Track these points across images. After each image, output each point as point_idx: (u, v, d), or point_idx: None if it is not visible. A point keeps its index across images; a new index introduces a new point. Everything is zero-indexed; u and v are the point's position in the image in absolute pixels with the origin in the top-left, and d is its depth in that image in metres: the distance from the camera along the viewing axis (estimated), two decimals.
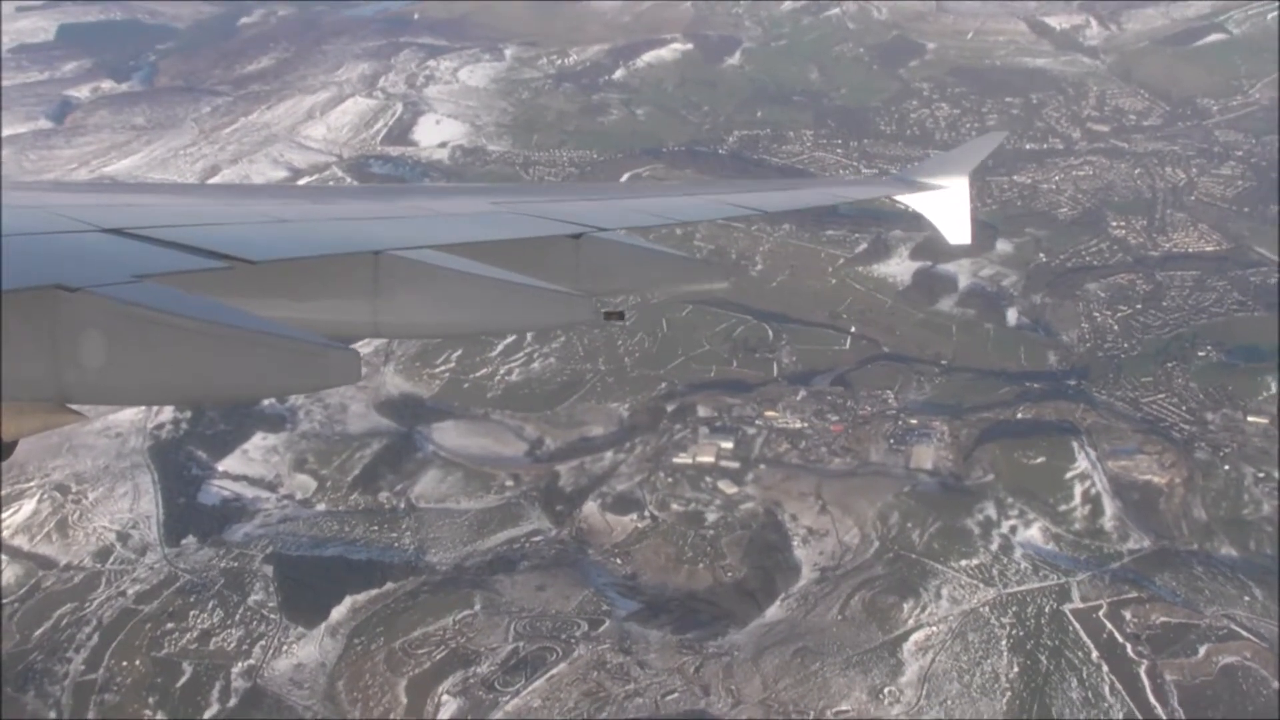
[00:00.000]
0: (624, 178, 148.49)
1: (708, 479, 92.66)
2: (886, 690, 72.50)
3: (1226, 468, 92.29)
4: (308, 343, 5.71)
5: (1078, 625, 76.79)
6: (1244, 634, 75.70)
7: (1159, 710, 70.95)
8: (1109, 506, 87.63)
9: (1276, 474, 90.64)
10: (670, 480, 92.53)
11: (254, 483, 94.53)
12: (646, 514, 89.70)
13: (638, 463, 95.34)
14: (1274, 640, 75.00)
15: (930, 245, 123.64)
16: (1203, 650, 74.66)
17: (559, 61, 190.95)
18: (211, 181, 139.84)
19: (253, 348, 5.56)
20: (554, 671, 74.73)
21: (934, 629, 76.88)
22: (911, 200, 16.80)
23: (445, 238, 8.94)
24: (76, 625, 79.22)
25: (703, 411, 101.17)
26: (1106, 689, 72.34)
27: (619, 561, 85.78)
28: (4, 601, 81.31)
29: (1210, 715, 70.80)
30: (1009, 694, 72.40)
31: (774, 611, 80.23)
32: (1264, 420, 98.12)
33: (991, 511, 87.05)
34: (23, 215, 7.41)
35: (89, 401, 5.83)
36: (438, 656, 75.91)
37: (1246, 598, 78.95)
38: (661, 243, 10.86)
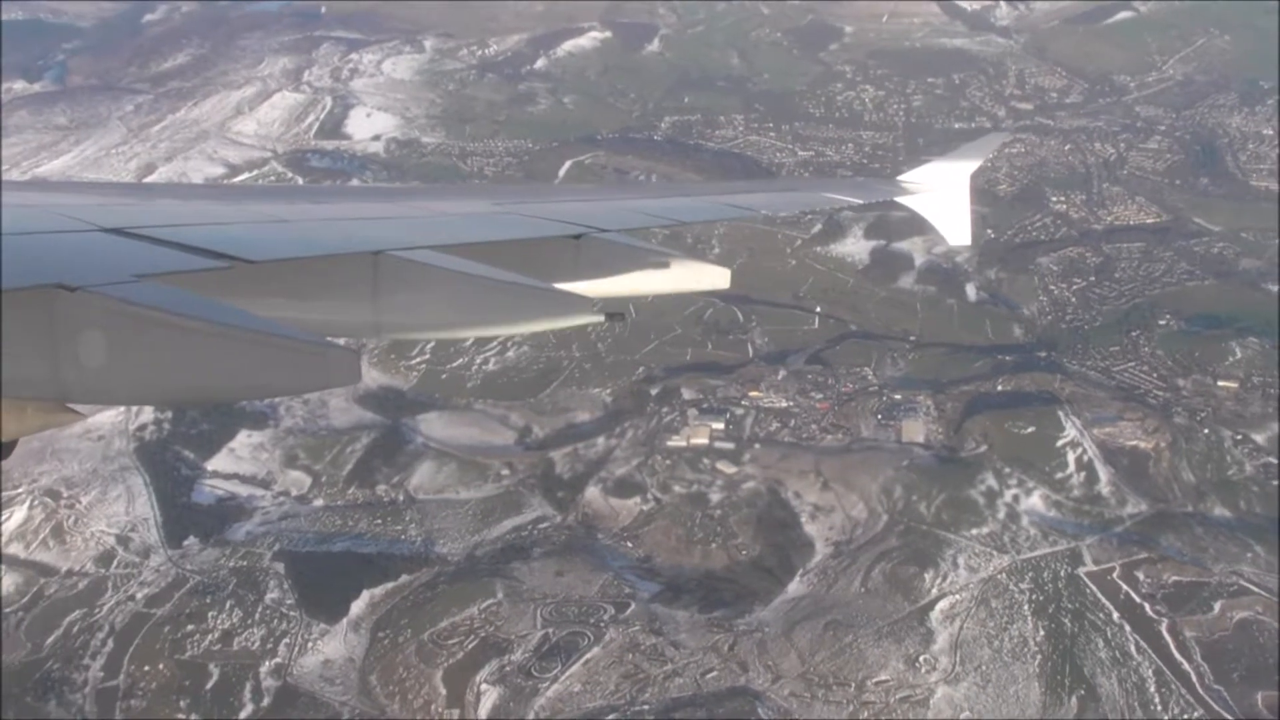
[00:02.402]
0: (565, 166, 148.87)
1: (705, 460, 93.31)
2: (922, 658, 73.72)
3: (1206, 431, 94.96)
4: (307, 343, 5.75)
5: (1094, 588, 78.70)
6: (1254, 589, 78.12)
7: (1186, 666, 72.88)
8: (1102, 472, 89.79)
9: (1277, 438, 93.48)
10: (668, 463, 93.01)
11: (246, 481, 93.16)
12: (650, 497, 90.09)
13: (631, 447, 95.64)
14: None
15: (882, 224, 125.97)
16: (1217, 606, 76.97)
17: (479, 52, 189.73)
18: (148, 180, 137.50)
19: (252, 348, 5.58)
20: (589, 656, 74.82)
21: (957, 597, 78.28)
22: (911, 202, 17.12)
23: (445, 238, 9.06)
24: (89, 632, 77.63)
25: (687, 394, 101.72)
26: (1132, 647, 74.22)
27: (630, 545, 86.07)
28: (8, 611, 79.37)
29: (1233, 669, 72.85)
30: (1039, 656, 73.97)
31: (795, 587, 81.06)
32: (1233, 384, 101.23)
33: (992, 481, 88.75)
34: (22, 214, 7.41)
35: (88, 401, 5.91)
36: (469, 646, 75.61)
37: (1249, 554, 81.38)
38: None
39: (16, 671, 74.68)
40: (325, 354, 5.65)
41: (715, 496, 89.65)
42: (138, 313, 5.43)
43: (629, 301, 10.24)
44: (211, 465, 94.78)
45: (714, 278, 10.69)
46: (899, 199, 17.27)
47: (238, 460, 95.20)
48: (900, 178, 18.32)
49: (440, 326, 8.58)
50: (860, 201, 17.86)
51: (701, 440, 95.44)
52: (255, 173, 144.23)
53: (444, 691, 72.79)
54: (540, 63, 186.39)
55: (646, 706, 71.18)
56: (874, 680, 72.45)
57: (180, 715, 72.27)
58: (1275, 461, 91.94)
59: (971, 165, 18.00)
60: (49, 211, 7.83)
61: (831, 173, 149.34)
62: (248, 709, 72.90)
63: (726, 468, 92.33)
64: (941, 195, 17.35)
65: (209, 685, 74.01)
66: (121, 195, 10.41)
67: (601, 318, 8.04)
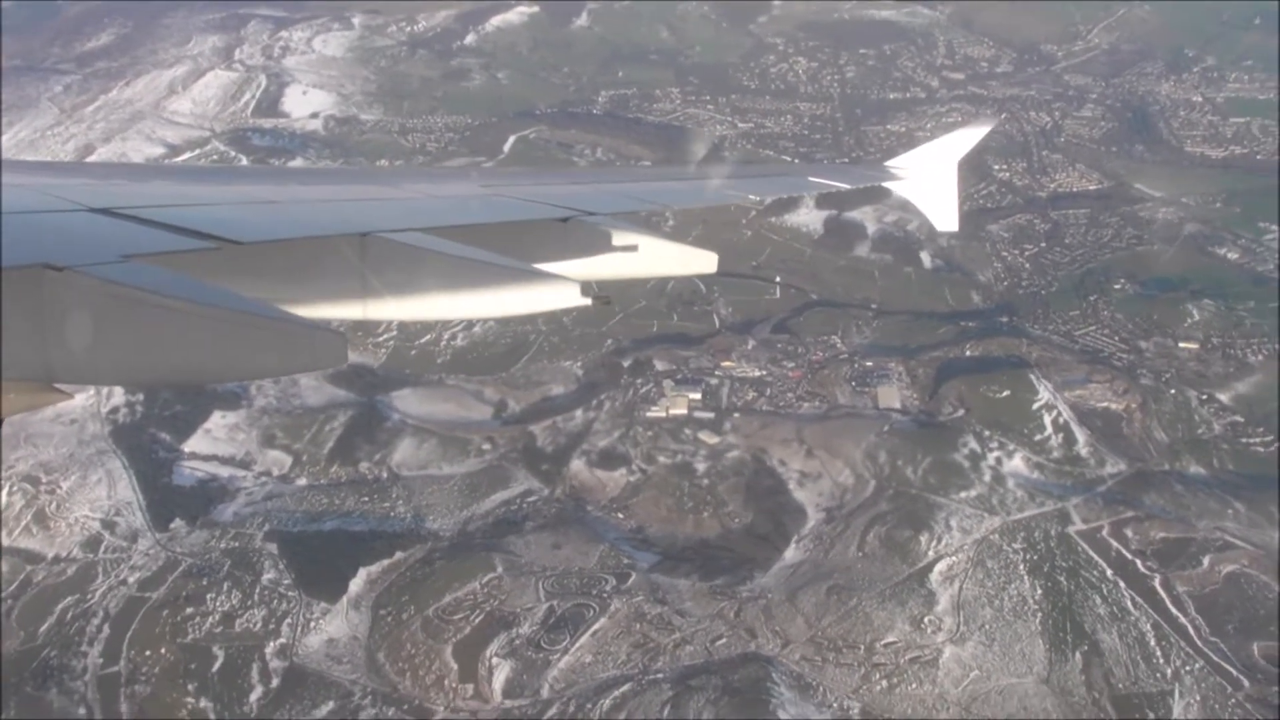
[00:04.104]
0: (509, 141, 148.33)
1: (686, 431, 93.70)
2: (926, 619, 74.63)
3: (1173, 392, 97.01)
4: (294, 324, 5.81)
5: (1086, 546, 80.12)
6: (1239, 543, 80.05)
7: (1183, 620, 74.51)
8: (1079, 434, 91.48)
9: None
10: (650, 434, 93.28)
11: (225, 462, 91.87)
12: (635, 468, 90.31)
13: (610, 419, 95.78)
14: (1268, 547, 79.34)
15: (833, 194, 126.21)
16: (1206, 561, 78.79)
17: (408, 29, 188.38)
18: (89, 160, 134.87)
19: (239, 329, 5.58)
20: (596, 626, 74.85)
21: (954, 559, 79.32)
22: (898, 188, 17.53)
23: (433, 220, 9.15)
24: (83, 618, 76.17)
25: (660, 365, 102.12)
26: (1129, 603, 75.67)
27: (621, 516, 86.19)
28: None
29: (1226, 621, 74.58)
30: (1040, 614, 75.15)
31: (792, 553, 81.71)
32: (1194, 346, 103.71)
33: (974, 445, 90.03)
34: (10, 194, 7.37)
35: (76, 381, 5.80)
36: (475, 621, 75.23)
37: (1230, 510, 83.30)
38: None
39: (13, 660, 73.08)
40: (312, 335, 5.70)
41: (701, 466, 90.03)
42: (125, 293, 5.44)
43: (615, 285, 10.34)
44: (188, 447, 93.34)
45: (700, 261, 10.84)
46: (886, 184, 17.60)
47: (214, 441, 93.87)
48: (888, 163, 18.63)
49: (428, 309, 8.41)
50: (848, 186, 17.92)
51: (680, 411, 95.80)
52: (197, 152, 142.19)
53: (455, 666, 72.37)
54: (470, 38, 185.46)
55: (661, 675, 71.34)
56: (882, 642, 73.27)
57: (189, 699, 71.24)
58: (1242, 420, 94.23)
59: (959, 152, 18.24)
60: (36, 191, 7.83)
61: (774, 143, 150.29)
62: (257, 691, 71.97)
63: (709, 437, 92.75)
64: (928, 181, 17.64)
65: (215, 668, 72.95)
66: (109, 175, 10.27)
67: (588, 301, 8.06)
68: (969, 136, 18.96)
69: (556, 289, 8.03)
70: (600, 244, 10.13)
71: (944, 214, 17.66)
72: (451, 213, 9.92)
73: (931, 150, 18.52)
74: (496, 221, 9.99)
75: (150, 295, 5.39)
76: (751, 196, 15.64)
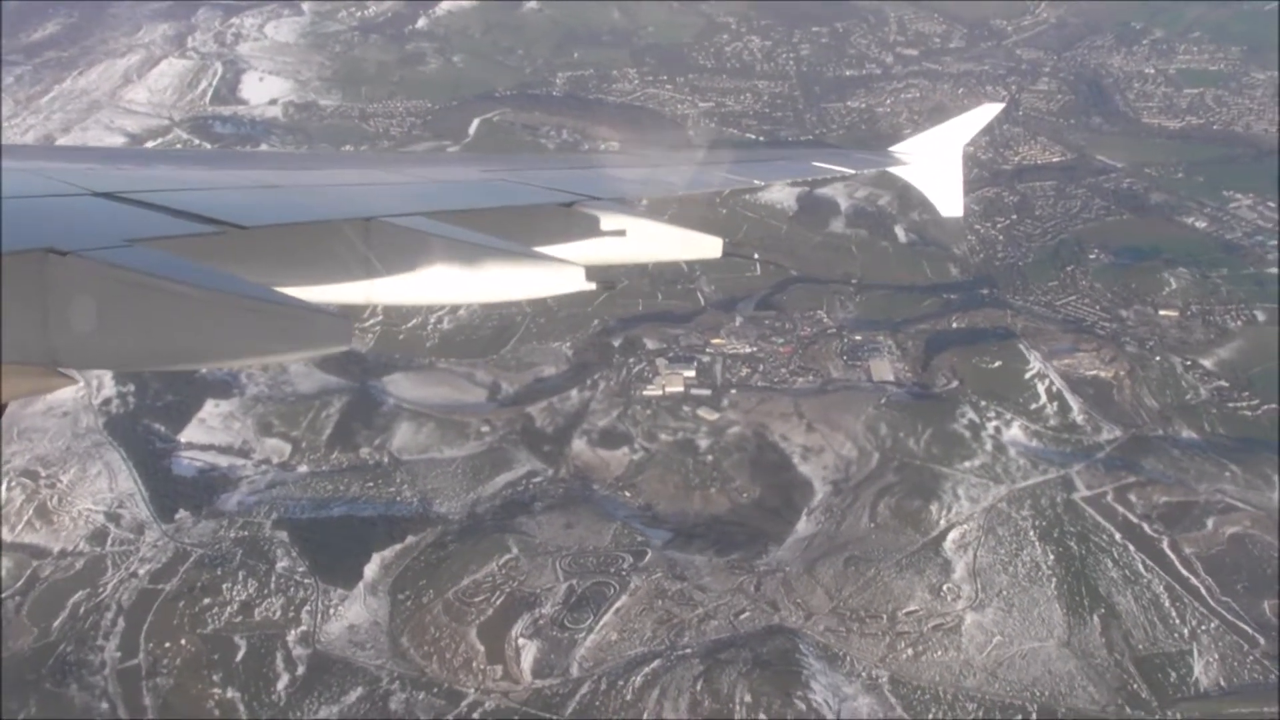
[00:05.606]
0: (474, 124, 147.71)
1: (685, 408, 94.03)
2: (945, 587, 75.43)
3: (1158, 359, 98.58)
4: (298, 308, 5.82)
5: (1093, 511, 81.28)
6: (1240, 505, 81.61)
7: (1194, 581, 75.86)
8: (1073, 402, 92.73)
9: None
10: (648, 412, 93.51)
11: (223, 451, 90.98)
12: (638, 446, 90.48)
13: (607, 398, 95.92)
14: (1267, 508, 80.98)
15: None
16: (1210, 523, 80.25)
17: (359, 13, 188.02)
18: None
19: (243, 313, 5.59)
20: (619, 604, 74.93)
21: (965, 527, 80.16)
22: (903, 173, 17.97)
23: (437, 205, 9.23)
24: (96, 612, 75.14)
25: (650, 344, 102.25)
26: (1140, 566, 76.87)
27: (628, 494, 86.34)
28: (4, 595, 76.61)
29: (1235, 581, 76.04)
30: (1055, 579, 76.17)
31: (805, 526, 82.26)
32: (1173, 313, 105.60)
33: (972, 415, 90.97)
34: (14, 178, 7.42)
35: (80, 365, 5.86)
36: (497, 602, 75.03)
37: (1227, 473, 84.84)
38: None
39: (28, 657, 71.92)
40: (315, 319, 5.72)
41: (703, 443, 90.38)
42: (129, 277, 5.48)
43: (615, 268, 10.64)
44: (184, 437, 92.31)
45: (706, 247, 10.95)
46: (891, 169, 17.97)
47: (210, 431, 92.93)
48: (892, 148, 18.94)
49: (432, 292, 8.36)
50: (851, 171, 18.04)
51: (677, 388, 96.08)
52: (159, 141, 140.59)
53: (482, 648, 72.14)
54: (421, 22, 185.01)
55: (689, 650, 71.57)
56: (904, 611, 73.98)
57: (215, 690, 70.60)
58: (1227, 385, 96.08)
59: (963, 138, 18.65)
60: (40, 175, 7.94)
61: (737, 122, 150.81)
62: (283, 679, 71.41)
63: (708, 414, 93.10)
64: (933, 167, 18.09)
65: (238, 658, 72.24)
66: (112, 160, 10.23)
67: (592, 286, 8.12)
68: (973, 121, 19.14)
69: (561, 273, 8.15)
70: (604, 229, 10.20)
71: (949, 199, 18.11)
72: (454, 197, 10.06)
73: (936, 135, 18.77)
74: (500, 206, 10.12)
75: (154, 279, 5.44)
76: (756, 181, 15.59)
